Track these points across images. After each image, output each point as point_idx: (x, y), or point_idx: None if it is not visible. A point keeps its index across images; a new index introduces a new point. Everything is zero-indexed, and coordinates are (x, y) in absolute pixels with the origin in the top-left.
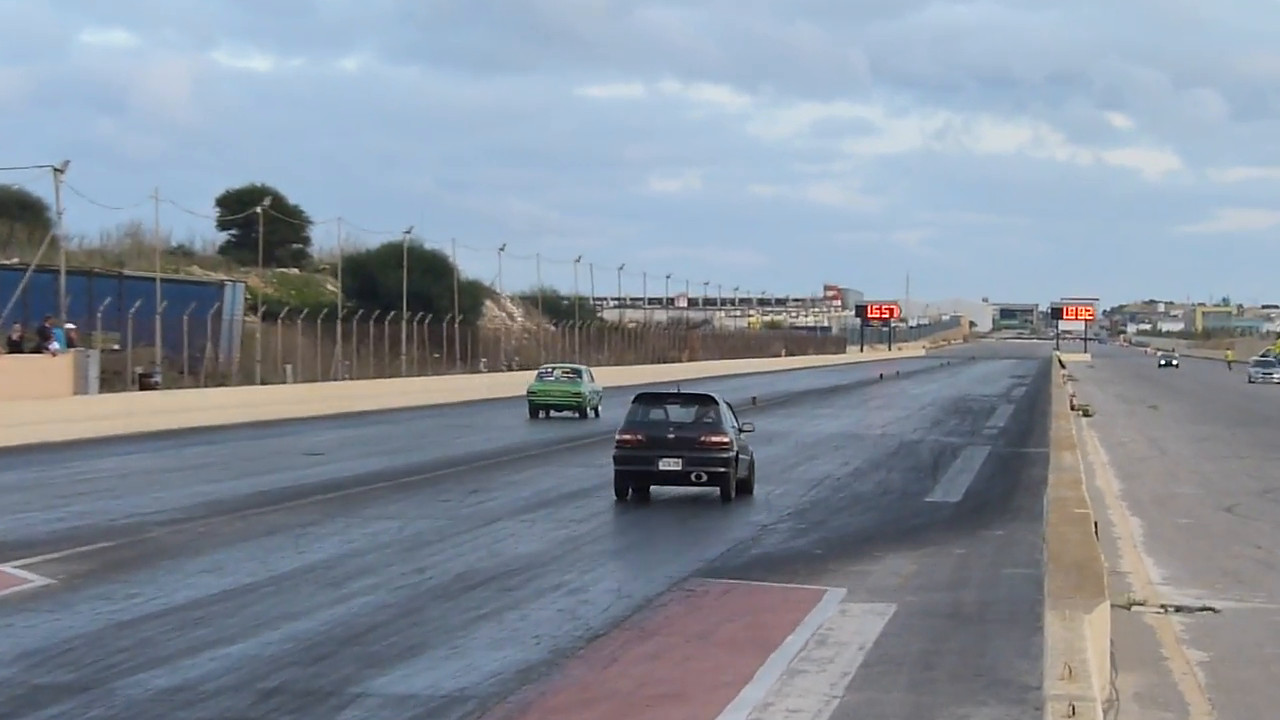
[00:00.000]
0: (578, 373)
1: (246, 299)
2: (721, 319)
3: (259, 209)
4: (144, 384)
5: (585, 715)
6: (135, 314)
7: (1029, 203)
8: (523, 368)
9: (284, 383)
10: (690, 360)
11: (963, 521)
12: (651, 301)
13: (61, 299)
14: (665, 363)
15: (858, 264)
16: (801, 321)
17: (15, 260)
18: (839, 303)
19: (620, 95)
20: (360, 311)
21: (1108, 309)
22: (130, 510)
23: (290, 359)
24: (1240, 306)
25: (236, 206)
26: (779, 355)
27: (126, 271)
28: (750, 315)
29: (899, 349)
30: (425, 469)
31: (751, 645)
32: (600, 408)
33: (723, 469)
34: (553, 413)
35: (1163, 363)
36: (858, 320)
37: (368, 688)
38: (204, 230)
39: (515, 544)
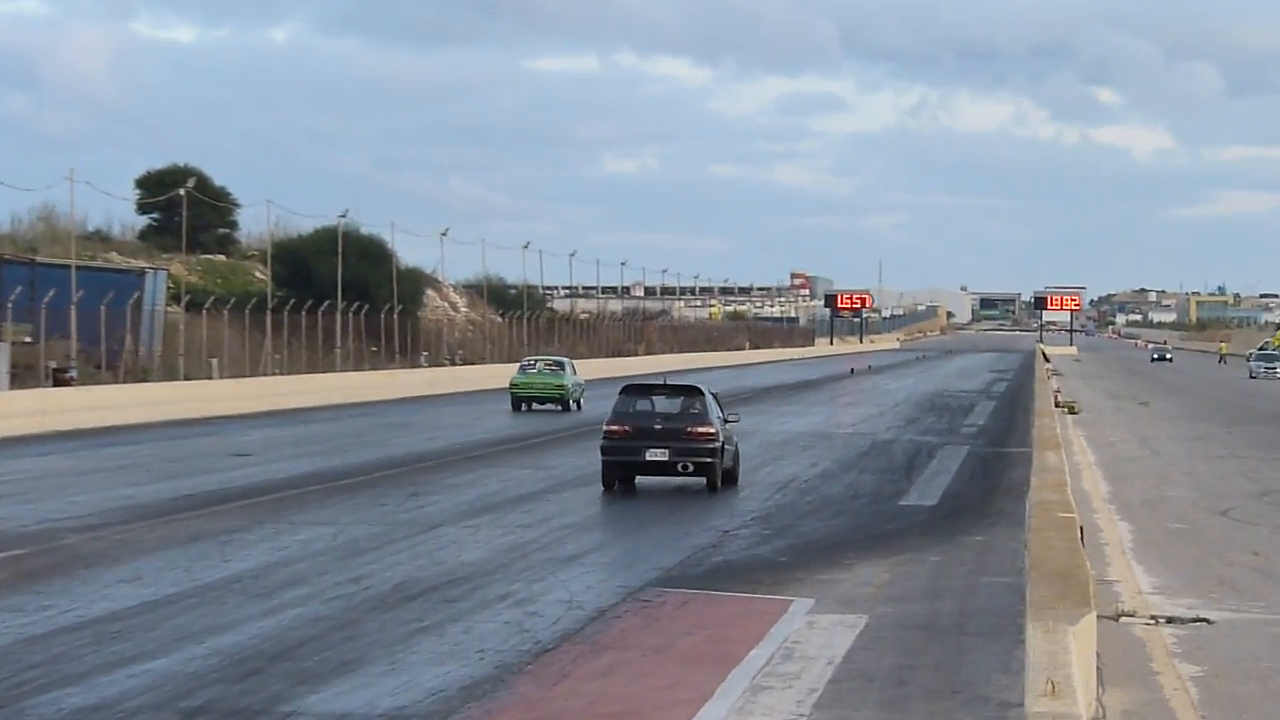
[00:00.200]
0: (560, 365)
1: (169, 288)
2: (680, 309)
3: (182, 191)
4: (58, 379)
5: None
6: (49, 304)
7: (1011, 184)
8: (466, 362)
9: (209, 378)
10: (647, 354)
11: (939, 527)
12: (605, 291)
13: None
14: (620, 356)
15: (827, 250)
16: (767, 312)
17: None
18: (807, 292)
19: (572, 69)
20: (291, 301)
21: (1095, 298)
22: (43, 515)
23: (216, 352)
24: (1237, 296)
25: (158, 188)
26: (742, 348)
27: (39, 258)
28: (711, 305)
29: (871, 341)
30: (361, 471)
31: (712, 660)
32: (582, 400)
33: (709, 459)
34: (535, 405)
35: (1156, 357)
36: (827, 311)
37: (299, 706)
38: (123, 214)
39: (458, 551)
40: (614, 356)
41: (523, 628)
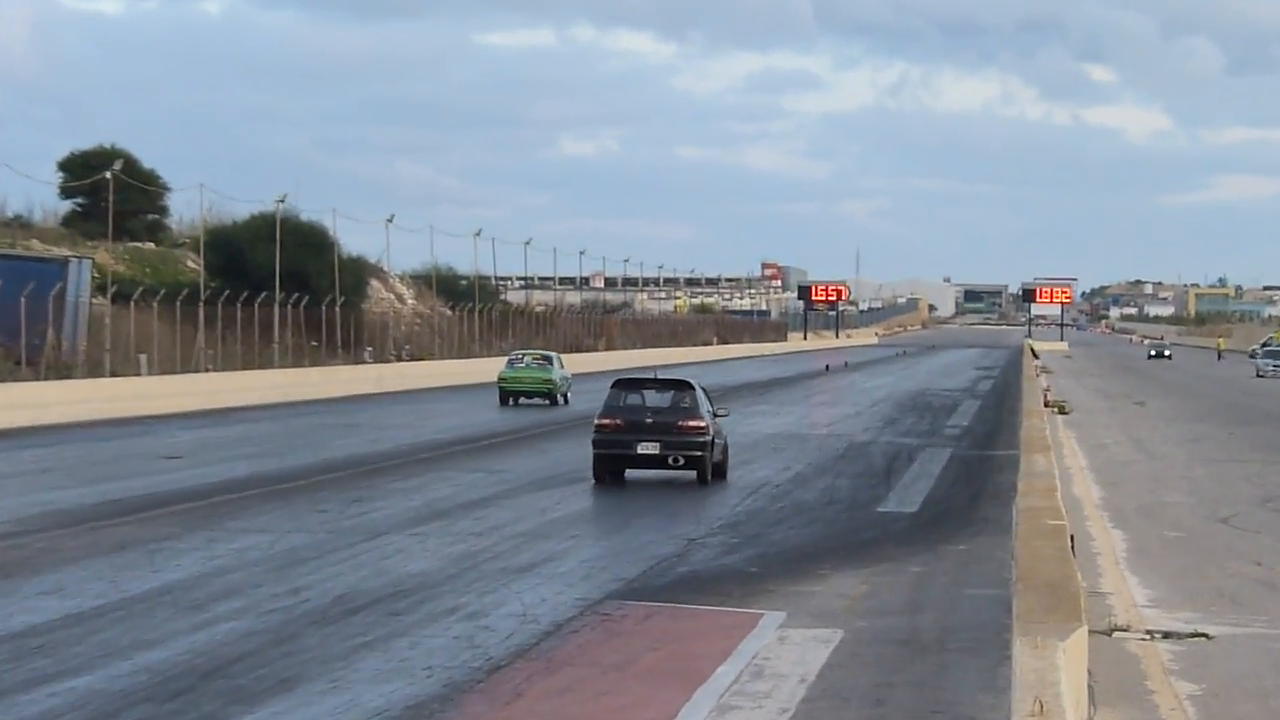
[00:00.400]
0: (548, 359)
1: (94, 278)
2: (644, 302)
3: (108, 174)
4: None
5: None
6: None
7: (997, 168)
8: (414, 357)
9: (137, 375)
10: (608, 349)
11: (920, 535)
12: (563, 282)
13: None
14: (579, 351)
15: (800, 239)
16: (736, 305)
17: None
18: (779, 283)
19: (526, 43)
20: (226, 293)
21: (1087, 291)
22: None
23: (145, 347)
24: (1239, 288)
25: (82, 171)
26: (710, 343)
27: None
28: (677, 298)
29: (848, 336)
30: (301, 474)
31: (676, 677)
32: (569, 394)
33: (699, 453)
34: (522, 399)
35: (1153, 353)
36: (800, 303)
37: None
38: (45, 198)
39: (404, 561)
40: (572, 352)
41: (473, 643)
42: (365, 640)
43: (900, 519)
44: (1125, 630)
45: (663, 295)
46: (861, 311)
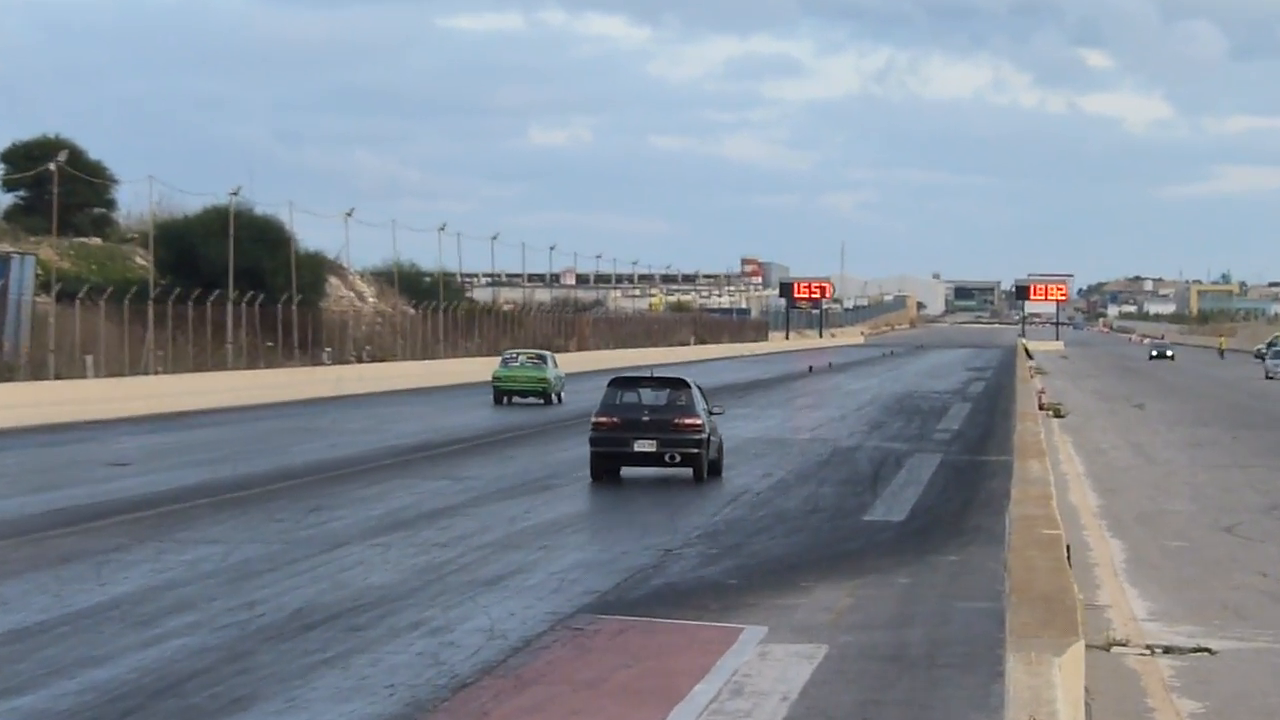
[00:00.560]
0: (542, 358)
1: (38, 275)
2: (617, 300)
3: (53, 165)
4: None
5: None
6: None
7: (989, 159)
8: (375, 358)
9: (83, 377)
10: (579, 350)
11: (908, 545)
12: (532, 279)
13: None
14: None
15: (782, 233)
16: (715, 303)
17: None
18: (759, 280)
19: (493, 27)
20: (177, 291)
21: (1084, 288)
22: None
23: (91, 348)
24: (1243, 285)
25: (25, 162)
26: (687, 343)
27: None
28: (652, 295)
29: (832, 335)
30: (256, 482)
31: (652, 695)
32: (564, 393)
33: (695, 450)
34: (516, 399)
35: (1154, 354)
36: (782, 301)
37: None
38: None
39: (365, 573)
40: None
41: (438, 660)
42: (324, 657)
43: (887, 528)
44: (1124, 645)
45: (637, 293)
46: (846, 310)
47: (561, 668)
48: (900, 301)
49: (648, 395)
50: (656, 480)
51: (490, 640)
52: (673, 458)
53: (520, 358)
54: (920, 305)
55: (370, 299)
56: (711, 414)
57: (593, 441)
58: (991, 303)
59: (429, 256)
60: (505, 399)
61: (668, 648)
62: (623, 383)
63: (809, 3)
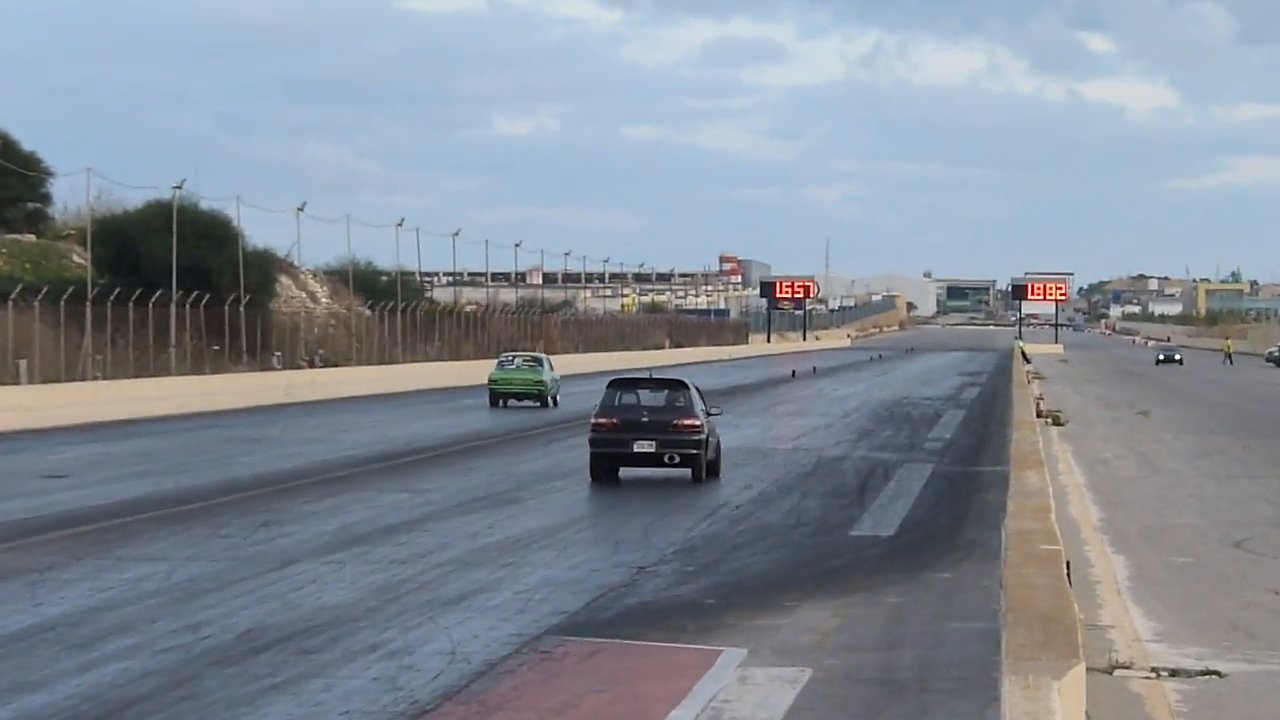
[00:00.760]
0: (539, 361)
1: None
2: (587, 300)
3: None
4: None
5: None
6: None
7: (983, 150)
8: (328, 363)
9: (17, 383)
10: (547, 353)
11: (898, 561)
12: (496, 278)
13: None
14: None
15: (763, 229)
16: (691, 304)
17: None
18: (739, 279)
19: (454, 10)
20: (117, 291)
21: (1085, 287)
22: None
23: (25, 352)
24: (1254, 283)
25: None
26: (662, 347)
27: None
28: (625, 295)
29: (816, 338)
30: (201, 495)
31: None
32: (559, 396)
33: (694, 451)
34: (512, 402)
35: (1162, 357)
36: (763, 302)
37: None
38: None
39: (317, 593)
40: None
41: (396, 685)
42: (273, 682)
43: (876, 543)
44: (1128, 668)
45: (608, 293)
46: (832, 311)
47: (528, 693)
48: (889, 302)
49: (647, 396)
50: (631, 492)
51: (452, 663)
52: (672, 458)
53: (516, 360)
54: (910, 306)
55: (323, 300)
56: (710, 415)
57: (592, 442)
58: (986, 303)
59: (386, 254)
60: (501, 402)
61: (641, 671)
62: (622, 384)
63: None
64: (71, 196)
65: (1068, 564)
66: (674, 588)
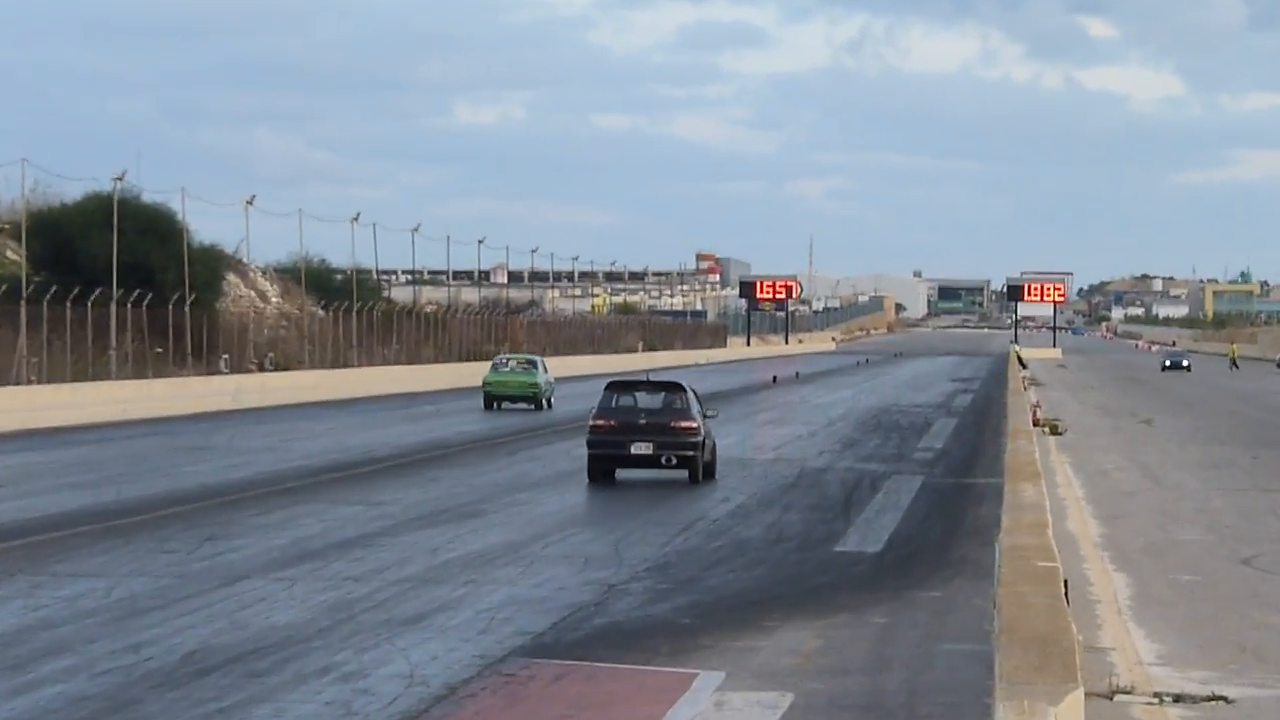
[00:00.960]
0: (533, 363)
1: None
2: (555, 300)
3: None
4: None
5: None
6: None
7: (977, 142)
8: (279, 366)
9: None
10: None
11: (885, 579)
12: (458, 276)
13: None
14: (478, 360)
15: (742, 225)
16: (666, 304)
17: None
18: (717, 279)
19: None
20: (53, 289)
21: (1085, 288)
22: None
23: None
24: (1265, 284)
25: None
26: (635, 350)
27: None
28: (595, 295)
29: (799, 341)
30: (143, 507)
31: None
32: (553, 399)
33: (691, 452)
34: (506, 404)
35: (1168, 364)
36: (743, 302)
37: None
38: None
39: (267, 611)
40: (468, 361)
41: (350, 709)
42: (219, 706)
43: (861, 560)
44: (1129, 693)
45: (578, 293)
46: (816, 312)
47: (491, 718)
48: (877, 303)
49: (644, 399)
50: (601, 505)
51: (410, 687)
52: (669, 460)
53: (511, 363)
54: (899, 307)
55: (274, 299)
56: (706, 417)
57: (590, 444)
58: (980, 304)
59: (341, 251)
60: (496, 404)
61: (611, 696)
62: (619, 386)
63: None
64: (5, 189)
65: (1065, 582)
66: (647, 607)
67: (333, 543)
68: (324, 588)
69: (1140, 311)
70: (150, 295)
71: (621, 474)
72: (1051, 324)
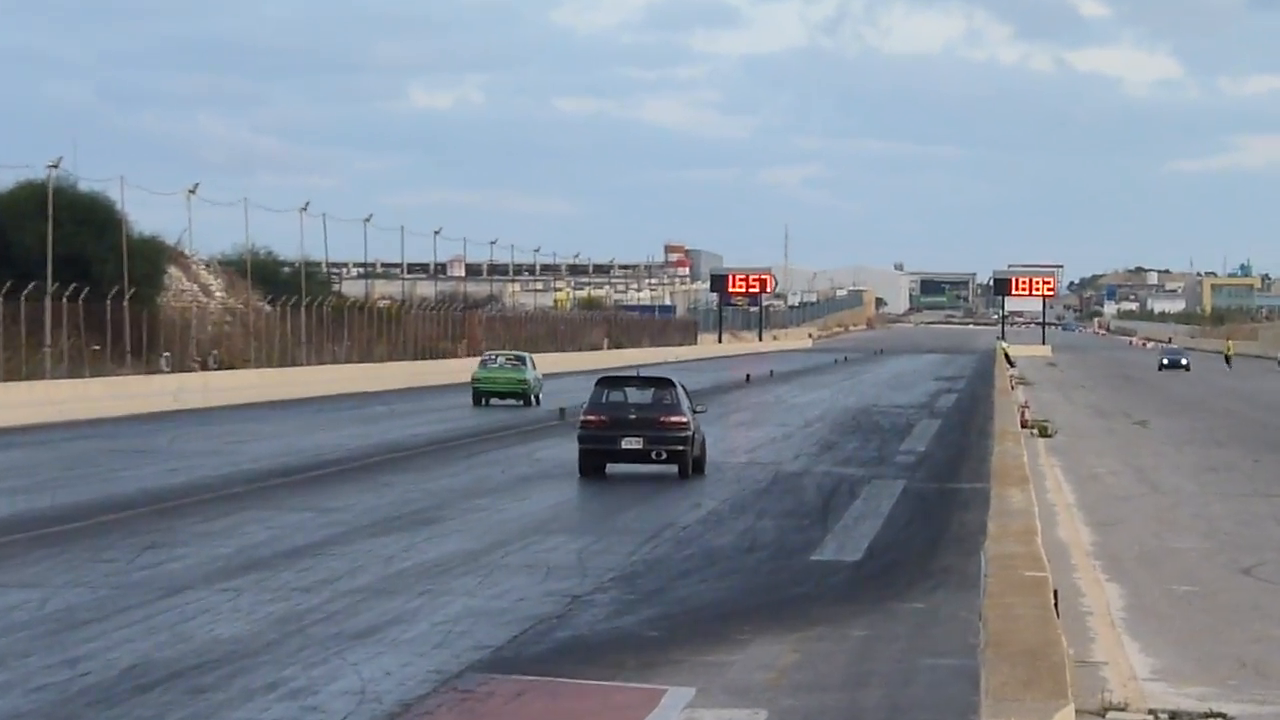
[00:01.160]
0: (521, 360)
1: None
2: (515, 295)
3: None
4: None
5: None
6: None
7: (962, 127)
8: (224, 365)
9: None
10: (470, 355)
11: (864, 590)
12: (413, 269)
13: None
14: (433, 358)
15: (714, 215)
16: (633, 299)
17: None
18: (686, 271)
19: None
20: None
21: (1076, 281)
22: None
23: None
24: (1265, 278)
25: None
26: (600, 347)
27: None
28: (558, 290)
29: (774, 338)
30: (79, 514)
31: None
32: (541, 395)
33: (681, 447)
34: (495, 400)
35: (1165, 363)
36: (714, 297)
37: None
38: None
39: (211, 624)
40: (424, 359)
41: None
42: None
43: (839, 569)
44: (1122, 710)
45: (540, 287)
46: (792, 307)
47: None
48: (856, 297)
49: (634, 394)
50: (565, 511)
51: (361, 704)
52: (659, 454)
53: (499, 359)
54: (880, 302)
55: (218, 293)
56: (695, 412)
57: (581, 439)
58: (965, 299)
59: (289, 242)
60: (484, 400)
61: (575, 713)
62: (610, 382)
63: None
64: None
65: (1055, 593)
66: (613, 619)
67: (281, 551)
68: (271, 599)
69: (1134, 306)
70: (87, 289)
71: (611, 468)
72: (1041, 319)
